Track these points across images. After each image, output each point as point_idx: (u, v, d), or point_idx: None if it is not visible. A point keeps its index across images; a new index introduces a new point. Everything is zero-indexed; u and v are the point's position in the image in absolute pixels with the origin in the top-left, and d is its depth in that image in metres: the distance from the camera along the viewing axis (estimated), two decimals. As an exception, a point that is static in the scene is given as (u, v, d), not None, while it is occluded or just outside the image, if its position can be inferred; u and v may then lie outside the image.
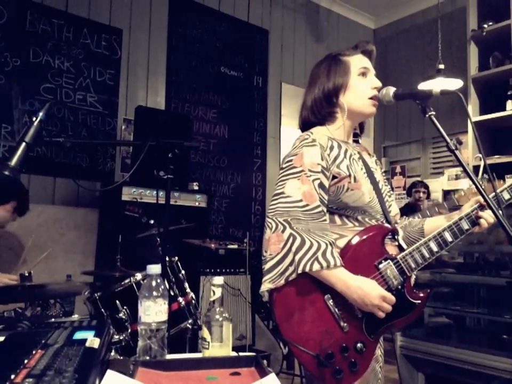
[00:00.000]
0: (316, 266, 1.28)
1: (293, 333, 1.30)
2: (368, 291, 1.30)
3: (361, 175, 1.46)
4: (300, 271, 1.28)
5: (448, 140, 1.28)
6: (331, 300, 1.33)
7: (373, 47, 1.56)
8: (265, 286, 1.32)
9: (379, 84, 1.48)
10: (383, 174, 1.63)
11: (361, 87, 1.48)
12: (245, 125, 4.72)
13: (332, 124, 1.51)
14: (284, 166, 1.42)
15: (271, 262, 1.32)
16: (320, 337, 1.29)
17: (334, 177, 1.40)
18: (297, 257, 1.29)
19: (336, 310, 1.33)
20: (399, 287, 1.38)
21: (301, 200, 1.34)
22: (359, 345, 1.32)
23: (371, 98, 1.47)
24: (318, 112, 1.50)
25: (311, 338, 1.29)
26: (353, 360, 1.31)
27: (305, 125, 1.55)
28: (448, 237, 1.43)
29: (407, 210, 3.43)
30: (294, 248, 1.29)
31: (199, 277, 3.32)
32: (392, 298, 1.33)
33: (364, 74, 1.49)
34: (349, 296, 1.31)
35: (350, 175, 1.41)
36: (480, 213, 1.44)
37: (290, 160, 1.41)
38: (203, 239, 3.52)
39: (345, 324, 1.32)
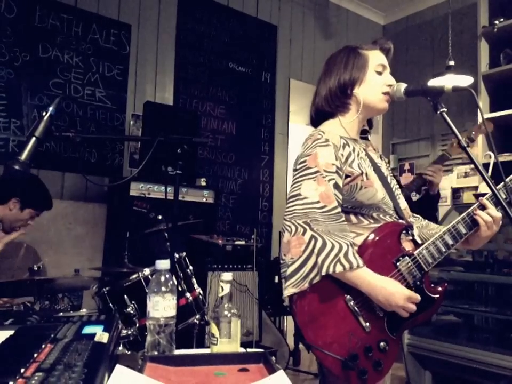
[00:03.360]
0: (339, 268, 1.26)
1: (315, 337, 1.29)
2: (393, 292, 1.29)
3: (371, 172, 1.46)
4: (323, 273, 1.26)
5: (460, 137, 1.27)
6: (352, 301, 1.32)
7: (391, 45, 1.55)
8: (289, 291, 1.29)
9: (394, 81, 1.48)
10: (389, 168, 1.63)
11: (377, 82, 1.47)
12: (253, 121, 4.70)
13: (345, 115, 1.50)
14: (298, 167, 1.41)
15: (293, 265, 1.29)
16: (344, 339, 1.28)
17: (347, 176, 1.40)
18: (320, 259, 1.27)
19: (358, 310, 1.32)
20: (418, 283, 1.38)
21: (318, 202, 1.33)
22: (382, 344, 1.32)
23: (384, 93, 1.47)
24: (332, 102, 1.49)
25: (334, 341, 1.28)
26: (377, 359, 1.31)
27: (318, 114, 1.54)
28: (462, 228, 1.43)
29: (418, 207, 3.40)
30: (316, 250, 1.27)
31: (206, 273, 3.32)
32: (417, 297, 1.32)
33: (381, 71, 1.48)
34: (374, 297, 1.31)
35: (362, 173, 1.40)
36: (478, 211, 1.43)
37: (305, 161, 1.39)
38: (210, 235, 3.52)
39: (367, 324, 1.32)
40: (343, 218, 1.36)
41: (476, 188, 4.02)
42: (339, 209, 1.35)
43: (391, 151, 5.55)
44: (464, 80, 4.11)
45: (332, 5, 5.37)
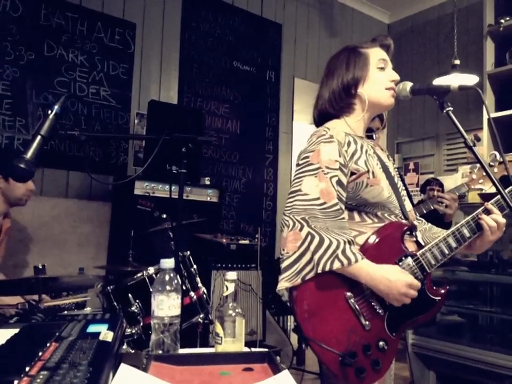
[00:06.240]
0: (337, 265, 1.26)
1: (314, 332, 1.28)
2: (394, 280, 1.29)
3: (378, 170, 1.44)
4: (320, 270, 1.27)
5: (466, 136, 1.26)
6: (352, 298, 1.31)
7: (391, 41, 1.55)
8: (282, 284, 1.31)
9: (397, 77, 1.47)
10: (396, 169, 1.62)
11: (380, 79, 1.47)
12: (257, 120, 4.70)
13: (350, 115, 1.50)
14: (301, 162, 1.40)
15: (288, 260, 1.30)
16: (343, 335, 1.28)
17: (352, 173, 1.38)
18: (316, 256, 1.27)
19: (358, 308, 1.31)
20: (420, 284, 1.37)
21: (318, 198, 1.32)
22: (381, 343, 1.32)
23: (388, 89, 1.46)
24: (336, 104, 1.49)
25: (333, 337, 1.28)
26: (375, 358, 1.30)
27: (321, 117, 1.53)
28: (466, 232, 1.42)
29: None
30: (312, 247, 1.28)
31: (210, 272, 3.32)
32: (418, 284, 1.33)
33: (383, 66, 1.48)
34: (375, 287, 1.30)
35: (368, 171, 1.39)
36: (483, 216, 1.41)
37: (307, 157, 1.39)
38: (214, 234, 3.52)
39: (367, 322, 1.31)
40: (343, 215, 1.35)
41: (481, 188, 3.99)
42: (339, 206, 1.34)
43: (395, 150, 5.54)
44: (470, 79, 4.09)
45: (337, 4, 5.36)
